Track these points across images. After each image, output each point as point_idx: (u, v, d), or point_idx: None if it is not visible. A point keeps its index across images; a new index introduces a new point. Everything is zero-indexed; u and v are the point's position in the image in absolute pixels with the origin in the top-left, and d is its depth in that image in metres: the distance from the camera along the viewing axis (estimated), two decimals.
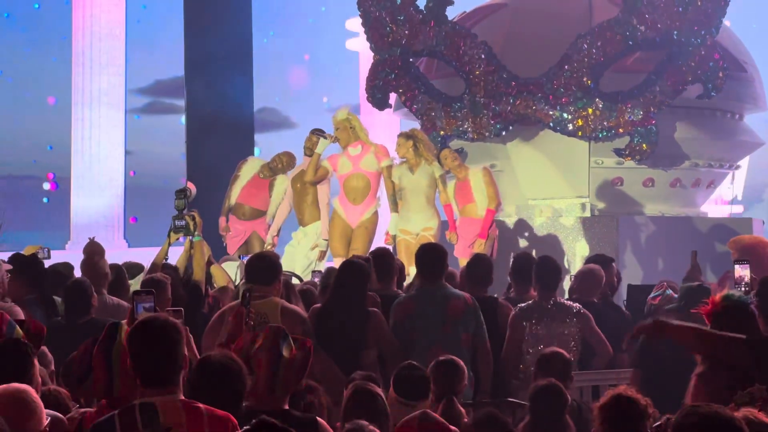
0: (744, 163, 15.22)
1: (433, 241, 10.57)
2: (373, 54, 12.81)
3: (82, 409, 4.81)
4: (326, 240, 11.59)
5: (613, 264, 9.10)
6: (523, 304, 7.62)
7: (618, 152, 11.94)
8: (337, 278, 7.17)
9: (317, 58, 27.26)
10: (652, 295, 8.41)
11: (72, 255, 10.00)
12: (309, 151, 11.76)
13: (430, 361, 5.95)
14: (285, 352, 4.57)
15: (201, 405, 3.97)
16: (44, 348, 5.64)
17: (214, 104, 16.95)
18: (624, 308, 8.83)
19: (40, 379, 4.64)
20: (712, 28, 11.62)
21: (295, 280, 9.42)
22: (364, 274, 7.08)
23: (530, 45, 12.32)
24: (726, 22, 12.29)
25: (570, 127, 11.86)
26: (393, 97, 12.82)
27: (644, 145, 11.68)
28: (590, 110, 11.78)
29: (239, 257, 11.48)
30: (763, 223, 13.55)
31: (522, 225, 12.48)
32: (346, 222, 11.49)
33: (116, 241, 20.26)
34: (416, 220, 11.33)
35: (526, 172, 12.68)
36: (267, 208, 12.21)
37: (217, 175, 14.29)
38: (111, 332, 4.33)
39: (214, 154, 16.09)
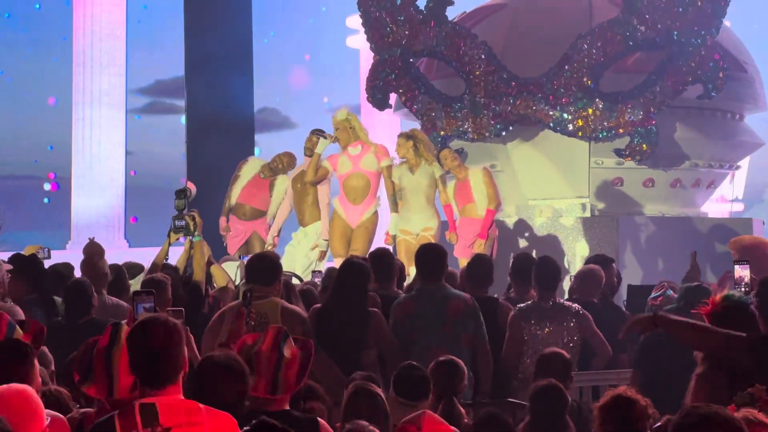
0: (744, 163, 15.23)
1: (433, 241, 10.58)
2: (373, 53, 12.82)
3: (83, 409, 4.82)
4: (326, 240, 11.59)
5: (613, 264, 9.11)
6: (522, 305, 7.62)
7: (618, 152, 11.94)
8: (338, 278, 7.17)
9: (318, 58, 27.28)
10: (652, 295, 8.41)
11: (72, 255, 10.00)
12: (309, 151, 11.76)
13: (430, 361, 5.95)
14: (286, 353, 4.57)
15: (201, 405, 3.97)
16: (44, 348, 5.64)
17: (214, 104, 16.95)
18: (624, 309, 8.84)
19: (40, 379, 4.64)
20: (712, 28, 11.62)
21: (295, 281, 9.42)
22: (364, 274, 7.08)
23: (530, 45, 12.33)
24: (726, 22, 12.29)
25: (570, 127, 11.87)
26: (393, 98, 12.83)
27: (644, 146, 11.69)
28: (590, 110, 11.79)
29: (239, 257, 11.48)
30: (764, 223, 13.56)
31: (522, 225, 12.48)
32: (346, 222, 11.49)
33: (117, 241, 20.27)
34: (416, 220, 11.33)
35: (526, 173, 12.69)
36: (267, 208, 12.21)
37: (217, 175, 14.30)
38: (111, 332, 4.33)
39: (214, 154, 16.09)
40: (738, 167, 13.89)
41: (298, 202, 11.94)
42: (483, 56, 12.18)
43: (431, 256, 7.37)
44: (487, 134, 12.20)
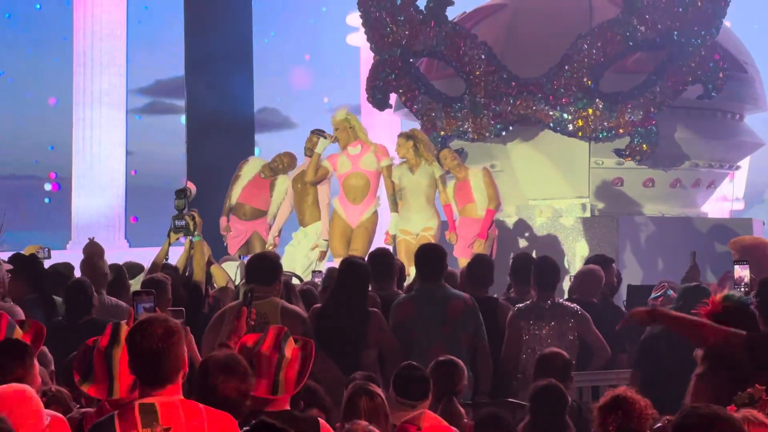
0: (744, 163, 15.23)
1: (433, 241, 10.58)
2: (373, 53, 12.82)
3: (83, 409, 4.82)
4: (326, 240, 11.59)
5: (613, 264, 9.11)
6: (521, 305, 7.62)
7: (618, 153, 11.94)
8: (338, 278, 7.16)
9: (318, 58, 27.29)
10: (653, 295, 8.41)
11: (73, 255, 10.01)
12: (309, 151, 11.76)
13: (430, 361, 5.95)
14: (287, 353, 4.57)
15: (201, 405, 3.97)
16: (44, 348, 5.64)
17: (214, 104, 16.95)
18: (624, 309, 8.83)
19: (39, 379, 4.64)
20: (712, 28, 11.62)
21: (295, 281, 9.42)
22: (364, 274, 7.08)
23: (530, 45, 12.33)
24: (726, 22, 12.29)
25: (570, 127, 11.87)
26: (393, 98, 12.82)
27: (644, 146, 11.69)
28: (590, 111, 11.79)
29: (239, 257, 11.49)
30: (764, 223, 13.56)
31: (522, 225, 12.48)
32: (346, 222, 11.49)
33: (117, 241, 20.27)
34: (416, 220, 11.33)
35: (526, 173, 12.69)
36: (268, 208, 12.20)
37: (217, 175, 14.30)
38: (111, 332, 4.34)
39: (214, 154, 16.09)
40: (738, 167, 13.89)
41: (299, 202, 11.94)
42: (483, 56, 12.18)
43: (431, 256, 7.38)
44: (487, 134, 12.20)
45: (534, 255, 9.42)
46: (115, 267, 8.38)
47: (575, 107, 11.83)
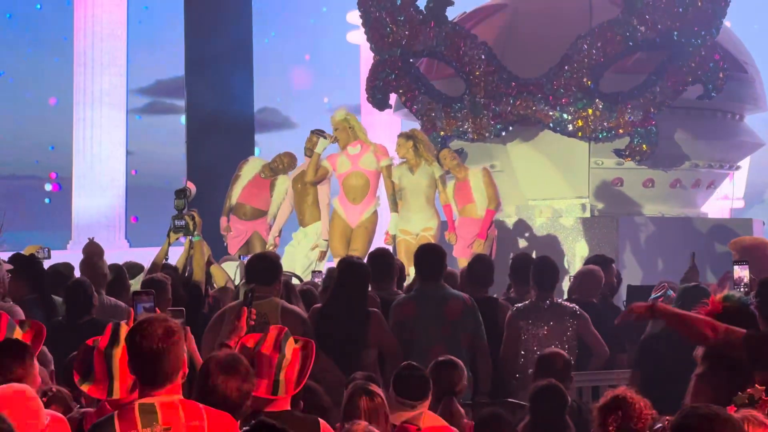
0: (744, 163, 15.22)
1: (432, 241, 10.58)
2: (373, 53, 12.82)
3: (83, 409, 4.82)
4: (326, 240, 11.60)
5: (613, 265, 9.11)
6: (519, 305, 7.62)
7: (618, 153, 11.94)
8: (338, 278, 7.16)
9: (318, 58, 27.29)
10: (653, 296, 8.39)
11: (73, 255, 10.01)
12: (309, 151, 11.76)
13: (430, 361, 5.95)
14: (287, 353, 4.57)
15: (200, 405, 3.98)
16: (44, 348, 5.65)
17: (214, 104, 16.95)
18: (623, 309, 8.83)
19: (39, 379, 4.65)
20: (712, 28, 11.62)
21: (295, 281, 9.42)
22: (364, 274, 7.08)
23: (530, 45, 12.33)
24: (726, 22, 12.29)
25: (570, 127, 11.87)
26: (393, 98, 12.82)
27: (644, 146, 11.69)
28: (590, 111, 11.79)
29: (240, 257, 11.49)
30: (764, 224, 13.56)
31: (522, 225, 12.48)
32: (346, 222, 11.50)
33: (117, 241, 20.29)
34: (416, 220, 11.33)
35: (526, 173, 12.69)
36: (268, 208, 12.21)
37: (217, 175, 14.30)
38: (111, 332, 4.34)
39: (214, 154, 16.09)
40: (738, 168, 13.89)
41: (299, 203, 11.94)
42: (483, 56, 12.18)
43: (430, 256, 7.38)
44: (487, 134, 12.20)
45: (534, 255, 9.41)
46: (115, 267, 8.39)
47: (575, 107, 11.83)
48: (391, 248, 10.92)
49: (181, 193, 8.14)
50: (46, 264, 8.58)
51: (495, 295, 8.12)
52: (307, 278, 10.37)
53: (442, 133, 12.35)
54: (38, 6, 26.91)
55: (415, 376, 5.42)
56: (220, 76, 16.94)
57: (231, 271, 9.25)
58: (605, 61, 11.83)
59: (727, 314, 5.29)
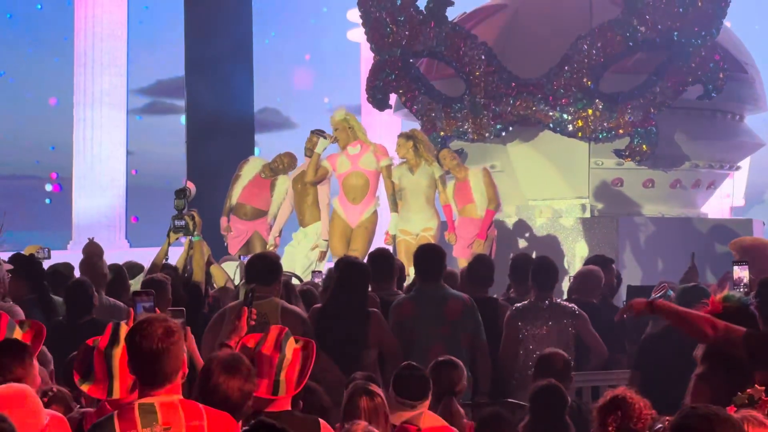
0: (744, 164, 15.22)
1: (432, 241, 10.58)
2: (373, 53, 12.83)
3: (83, 409, 4.83)
4: (326, 240, 11.60)
5: (613, 265, 9.11)
6: (519, 305, 7.62)
7: (618, 153, 11.94)
8: (337, 278, 7.16)
9: (318, 58, 27.30)
10: (653, 296, 8.40)
11: (74, 255, 10.02)
12: (309, 152, 11.76)
13: (429, 362, 5.95)
14: (287, 353, 4.58)
15: (200, 405, 3.98)
16: (44, 348, 5.65)
17: (214, 104, 16.95)
18: None
19: (39, 379, 4.65)
20: (712, 29, 11.62)
21: (295, 281, 9.42)
22: (364, 274, 7.08)
23: (530, 45, 12.33)
24: (727, 23, 12.28)
25: (570, 127, 11.87)
26: (393, 98, 12.82)
27: (644, 146, 11.69)
28: (590, 111, 11.79)
29: (240, 257, 11.49)
30: (764, 224, 13.56)
31: (522, 226, 12.49)
32: (346, 222, 11.50)
33: (118, 241, 20.29)
34: (416, 220, 11.34)
35: (526, 173, 12.69)
36: (268, 208, 12.21)
37: (217, 175, 14.31)
38: (111, 332, 4.34)
39: (214, 154, 16.10)
40: (738, 168, 13.89)
41: (299, 203, 11.94)
42: (483, 57, 12.18)
43: (430, 256, 7.38)
44: (487, 135, 12.21)
45: (534, 255, 9.41)
46: (115, 267, 8.39)
47: (575, 108, 11.83)
48: (391, 248, 10.92)
49: (181, 193, 8.14)
50: (46, 264, 8.59)
51: (495, 295, 8.12)
52: (307, 278, 10.38)
53: (442, 133, 12.35)
54: (39, 6, 26.93)
55: (415, 376, 5.42)
56: (220, 76, 16.95)
57: (231, 271, 9.26)
58: (605, 61, 11.83)
59: (727, 314, 5.29)
